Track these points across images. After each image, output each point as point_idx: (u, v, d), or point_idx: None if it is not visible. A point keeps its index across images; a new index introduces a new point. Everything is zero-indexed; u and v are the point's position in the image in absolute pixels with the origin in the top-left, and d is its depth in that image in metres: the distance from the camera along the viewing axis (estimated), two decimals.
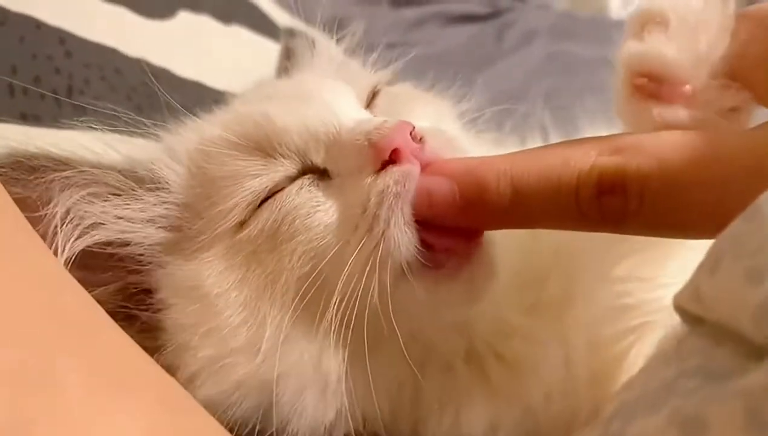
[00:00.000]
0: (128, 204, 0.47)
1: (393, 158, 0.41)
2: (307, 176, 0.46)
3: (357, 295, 0.40)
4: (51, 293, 0.38)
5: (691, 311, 0.30)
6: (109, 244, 0.46)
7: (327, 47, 0.64)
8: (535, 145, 0.44)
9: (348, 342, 0.42)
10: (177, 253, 0.47)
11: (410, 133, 0.42)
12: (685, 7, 0.40)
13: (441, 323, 0.46)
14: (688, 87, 0.38)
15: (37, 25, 0.66)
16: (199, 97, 0.56)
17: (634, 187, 0.35)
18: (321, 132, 0.46)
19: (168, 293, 0.46)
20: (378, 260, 0.40)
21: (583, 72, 1.22)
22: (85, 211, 0.45)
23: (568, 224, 0.38)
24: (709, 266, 0.29)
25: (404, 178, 0.40)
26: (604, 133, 0.39)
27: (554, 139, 0.68)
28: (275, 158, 0.46)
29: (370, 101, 0.54)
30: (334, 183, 0.45)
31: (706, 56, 0.38)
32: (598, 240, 0.45)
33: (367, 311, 0.41)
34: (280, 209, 0.44)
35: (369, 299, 0.40)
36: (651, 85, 0.39)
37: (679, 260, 0.47)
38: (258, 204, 0.45)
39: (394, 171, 0.41)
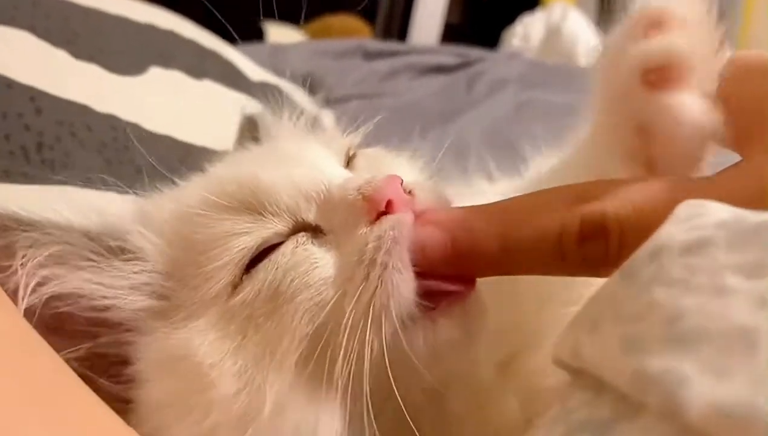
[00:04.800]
0: (104, 270, 0.45)
1: (386, 210, 0.42)
2: (300, 234, 0.44)
3: (361, 347, 0.39)
4: (21, 355, 0.38)
5: (572, 365, 0.31)
6: (87, 309, 0.45)
7: (295, 111, 0.65)
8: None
9: (349, 406, 0.40)
10: (163, 321, 0.45)
11: (400, 186, 0.43)
12: (689, 5, 0.41)
13: (438, 372, 0.43)
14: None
15: (8, 84, 0.66)
16: (169, 151, 0.56)
17: (615, 232, 0.36)
18: (311, 190, 0.45)
19: (148, 366, 0.44)
20: (379, 305, 0.39)
21: (551, 118, 1.25)
22: (52, 273, 0.44)
23: (552, 269, 0.39)
24: (588, 325, 0.30)
25: (400, 225, 0.41)
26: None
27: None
28: (264, 217, 0.45)
29: (348, 163, 0.55)
30: (328, 239, 0.44)
31: (714, 48, 0.40)
32: (556, 301, 0.46)
33: (373, 367, 0.39)
34: (277, 269, 0.43)
35: (372, 352, 0.39)
36: (660, 79, 0.40)
37: None
38: (248, 263, 0.44)
39: (389, 219, 0.41)
